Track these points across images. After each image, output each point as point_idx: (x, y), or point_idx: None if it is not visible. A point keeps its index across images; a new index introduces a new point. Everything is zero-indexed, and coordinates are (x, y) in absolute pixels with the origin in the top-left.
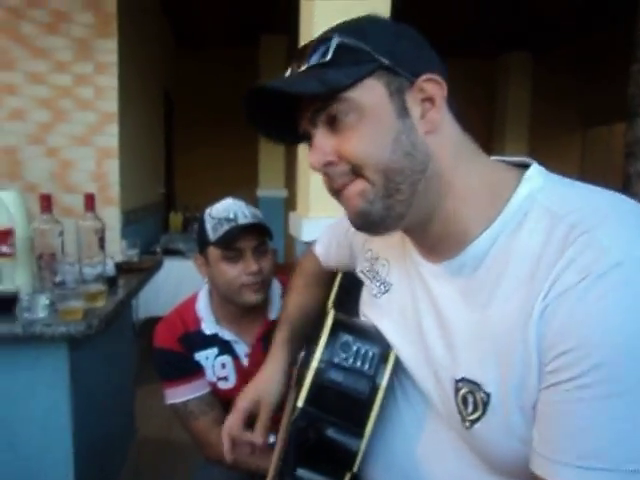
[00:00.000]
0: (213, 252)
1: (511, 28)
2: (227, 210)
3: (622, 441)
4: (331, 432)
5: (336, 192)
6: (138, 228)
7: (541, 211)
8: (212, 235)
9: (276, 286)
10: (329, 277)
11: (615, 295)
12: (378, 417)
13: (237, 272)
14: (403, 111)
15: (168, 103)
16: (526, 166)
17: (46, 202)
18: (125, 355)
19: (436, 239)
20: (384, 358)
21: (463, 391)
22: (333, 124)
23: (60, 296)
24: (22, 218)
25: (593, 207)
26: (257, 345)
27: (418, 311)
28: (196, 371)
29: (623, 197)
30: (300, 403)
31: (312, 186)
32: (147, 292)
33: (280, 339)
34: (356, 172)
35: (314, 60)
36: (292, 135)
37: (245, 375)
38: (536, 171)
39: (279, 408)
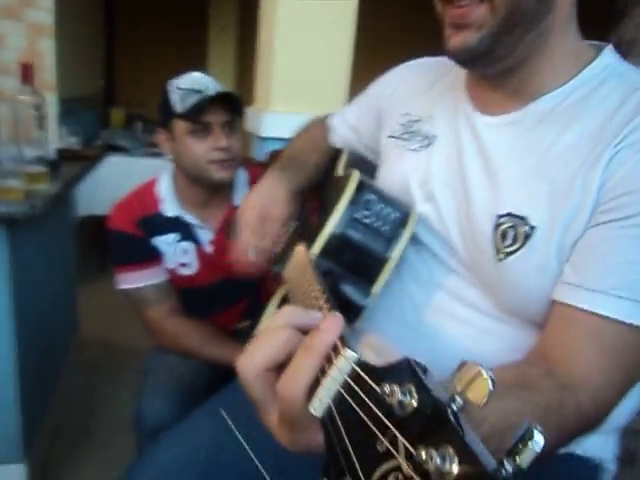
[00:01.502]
0: (179, 125)
1: None
2: (195, 81)
3: None
4: (342, 284)
5: (448, 2)
6: (76, 120)
7: (617, 81)
8: (179, 106)
9: (242, 173)
10: (331, 153)
11: None
12: (389, 277)
13: (205, 148)
14: None
15: None
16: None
17: None
18: (66, 248)
19: (510, 90)
20: (404, 222)
21: (504, 226)
22: None
23: None
24: None
25: None
26: (221, 231)
27: (463, 159)
28: (153, 257)
29: None
30: (316, 250)
31: (275, 76)
32: (87, 188)
33: (277, 168)
34: None
35: None
36: None
37: (208, 262)
38: (611, 50)
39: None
